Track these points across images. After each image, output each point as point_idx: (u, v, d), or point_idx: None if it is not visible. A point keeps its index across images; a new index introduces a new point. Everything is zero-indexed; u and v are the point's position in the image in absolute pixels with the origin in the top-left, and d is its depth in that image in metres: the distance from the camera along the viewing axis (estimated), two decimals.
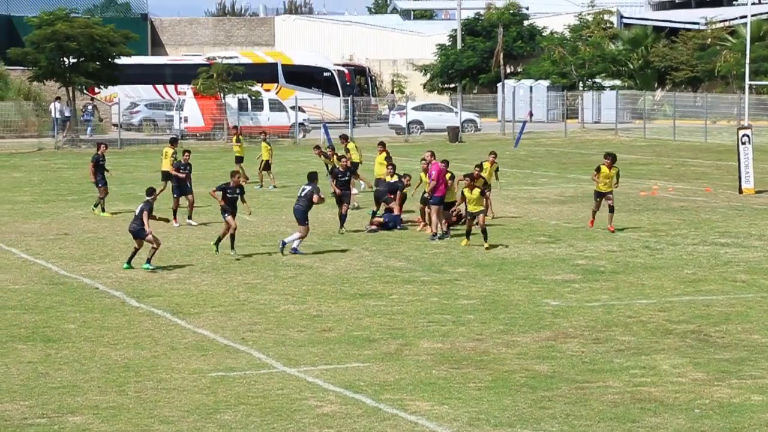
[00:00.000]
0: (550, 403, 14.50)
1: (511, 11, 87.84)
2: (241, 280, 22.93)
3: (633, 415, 14.00)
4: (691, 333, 18.11)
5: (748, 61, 43.40)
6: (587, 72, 73.94)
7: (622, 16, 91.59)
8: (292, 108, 64.80)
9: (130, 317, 19.71)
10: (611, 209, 28.18)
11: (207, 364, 16.58)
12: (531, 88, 79.50)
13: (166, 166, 32.91)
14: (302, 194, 26.21)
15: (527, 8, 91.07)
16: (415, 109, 70.69)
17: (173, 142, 34.62)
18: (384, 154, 32.26)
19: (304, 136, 63.63)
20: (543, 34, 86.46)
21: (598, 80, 75.62)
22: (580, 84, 74.58)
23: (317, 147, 36.04)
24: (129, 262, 24.06)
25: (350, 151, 35.69)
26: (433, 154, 29.25)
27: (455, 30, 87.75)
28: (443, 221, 27.64)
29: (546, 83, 78.02)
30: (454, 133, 63.62)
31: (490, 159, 30.65)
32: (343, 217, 28.87)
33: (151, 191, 24.53)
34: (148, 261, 23.83)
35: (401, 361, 16.71)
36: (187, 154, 31.42)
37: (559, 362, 16.49)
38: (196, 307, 20.42)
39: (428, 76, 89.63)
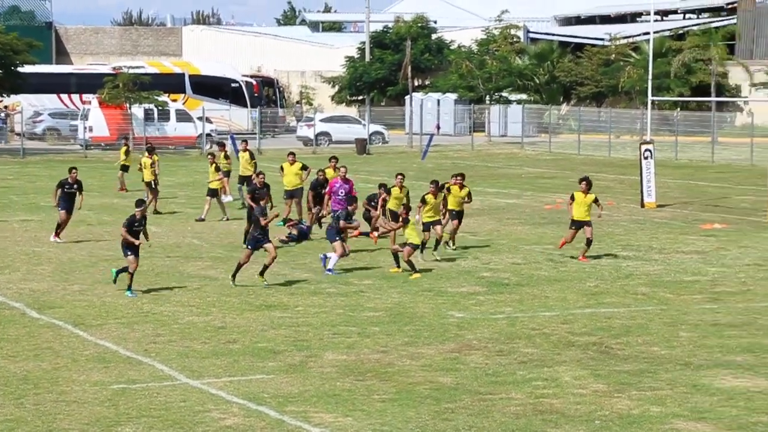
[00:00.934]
0: (453, 415, 14.56)
1: (420, 24, 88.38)
2: (144, 291, 22.70)
3: (535, 426, 14.12)
4: (593, 345, 18.31)
5: (650, 77, 44.02)
6: (494, 86, 74.61)
7: (528, 31, 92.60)
8: (200, 119, 64.45)
9: (30, 329, 19.40)
10: (588, 243, 25.97)
11: (108, 376, 16.38)
12: (438, 101, 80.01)
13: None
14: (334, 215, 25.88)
15: (435, 22, 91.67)
16: (323, 120, 70.76)
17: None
18: (298, 164, 32.22)
19: (210, 146, 63.31)
20: (451, 47, 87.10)
21: (504, 94, 76.33)
22: (487, 98, 75.22)
23: (211, 155, 35.49)
24: (130, 289, 22.19)
25: (238, 161, 35.72)
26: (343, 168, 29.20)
27: (364, 42, 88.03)
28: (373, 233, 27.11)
29: (453, 96, 78.56)
30: (361, 145, 63.78)
31: (456, 181, 27.74)
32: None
33: (140, 203, 22.92)
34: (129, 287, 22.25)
35: (306, 372, 16.67)
36: (74, 171, 29.50)
37: (463, 374, 16.57)
38: (98, 319, 20.17)
39: (336, 88, 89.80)
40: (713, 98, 68.48)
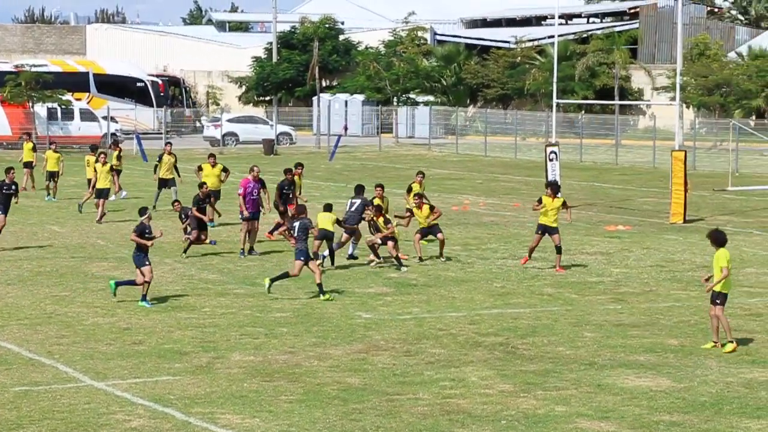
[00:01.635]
0: (360, 416, 14.57)
1: (327, 25, 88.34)
2: (48, 292, 22.40)
3: (442, 426, 14.18)
4: (500, 345, 18.45)
5: (555, 79, 44.49)
6: (401, 87, 74.91)
7: (435, 33, 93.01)
8: (104, 118, 63.72)
9: None
10: (558, 250, 25.28)
11: (10, 379, 16.12)
12: (346, 102, 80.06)
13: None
14: (352, 209, 25.59)
15: (343, 23, 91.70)
16: (231, 121, 70.39)
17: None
18: (219, 166, 32.02)
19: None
20: (358, 48, 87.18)
21: (412, 96, 76.66)
22: (395, 99, 75.46)
23: (103, 153, 34.75)
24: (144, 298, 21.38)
25: (162, 163, 35.35)
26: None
27: (271, 43, 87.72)
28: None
29: (361, 97, 78.67)
30: (269, 146, 63.57)
31: (417, 179, 29.13)
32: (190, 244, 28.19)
33: (144, 210, 22.18)
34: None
35: (212, 374, 16.57)
36: (12, 172, 28.75)
37: (371, 375, 16.59)
38: None
39: (244, 88, 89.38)
40: (617, 101, 69.40)
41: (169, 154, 35.57)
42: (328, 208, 24.92)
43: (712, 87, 75.41)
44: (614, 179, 49.19)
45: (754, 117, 75.95)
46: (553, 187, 25.70)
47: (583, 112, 70.08)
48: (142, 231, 21.62)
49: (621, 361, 17.44)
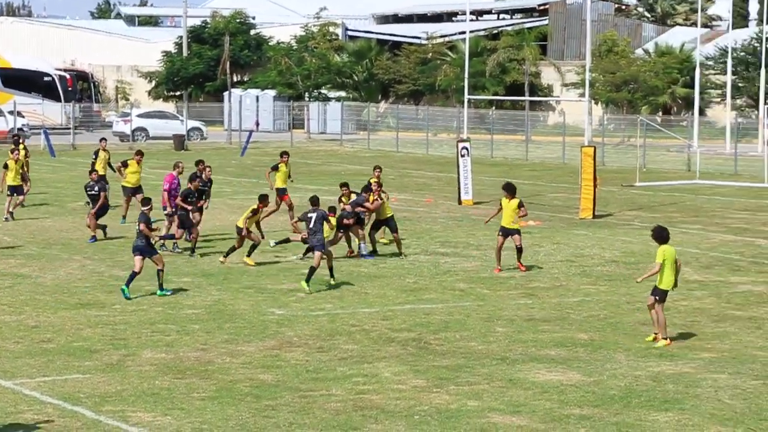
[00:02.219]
0: (273, 412, 14.53)
1: (238, 20, 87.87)
2: None
3: (355, 422, 14.19)
4: (412, 341, 18.51)
5: (467, 75, 44.76)
6: (313, 83, 74.82)
7: (347, 29, 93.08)
8: (11, 113, 62.76)
9: None
10: (519, 250, 24.88)
11: None
12: (258, 97, 79.74)
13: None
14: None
15: (254, 18, 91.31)
16: (140, 116, 69.73)
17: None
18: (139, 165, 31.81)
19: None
20: (270, 43, 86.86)
21: (323, 91, 76.61)
22: (306, 95, 75.34)
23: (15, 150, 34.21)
24: (128, 286, 21.54)
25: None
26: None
27: (181, 37, 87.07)
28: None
29: (272, 93, 78.42)
30: (179, 141, 63.11)
31: (375, 174, 28.95)
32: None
33: (146, 201, 22.40)
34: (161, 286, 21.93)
35: (123, 371, 16.41)
36: None
37: (284, 371, 16.55)
38: None
39: (153, 83, 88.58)
40: (527, 98, 70.01)
41: (104, 150, 35.18)
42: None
43: (620, 83, 76.47)
44: (525, 175, 49.59)
45: (660, 113, 77.12)
46: (509, 189, 25.04)
47: (493, 108, 70.60)
48: (149, 220, 21.95)
49: (532, 355, 17.60)
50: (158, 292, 21.75)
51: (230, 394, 15.32)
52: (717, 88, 77.02)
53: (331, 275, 23.10)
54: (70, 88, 76.42)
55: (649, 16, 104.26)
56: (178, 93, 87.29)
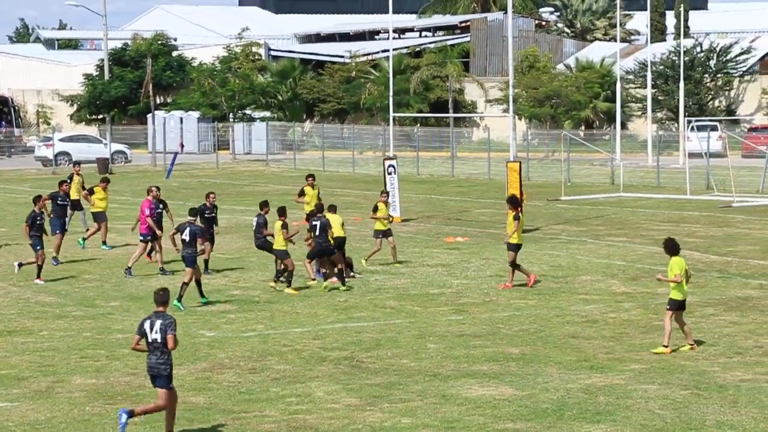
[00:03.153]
0: None
1: (160, 42, 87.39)
2: None
3: None
4: (345, 359, 18.49)
5: (391, 93, 44.91)
6: (237, 103, 74.56)
7: (270, 49, 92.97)
8: None
9: None
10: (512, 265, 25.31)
11: None
12: (182, 119, 79.32)
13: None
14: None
15: (175, 39, 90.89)
16: (63, 140, 69.03)
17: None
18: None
19: None
20: (193, 65, 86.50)
21: (248, 111, 76.37)
22: (231, 115, 75.07)
23: None
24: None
25: None
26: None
27: (102, 60, 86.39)
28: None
29: (197, 114, 78.06)
30: (103, 165, 62.54)
31: (308, 182, 30.50)
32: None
33: (193, 211, 24.14)
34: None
35: (53, 398, 16.21)
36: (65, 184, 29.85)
37: (216, 393, 16.45)
38: None
39: (75, 106, 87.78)
40: (451, 114, 70.34)
41: (78, 174, 34.85)
42: (332, 209, 25.67)
43: (542, 98, 77.13)
44: (451, 191, 49.81)
45: (583, 127, 77.91)
46: (512, 202, 25.45)
47: (418, 125, 70.86)
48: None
49: (464, 371, 17.65)
50: (175, 302, 22.01)
51: (162, 418, 15.16)
52: (638, 101, 77.97)
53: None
54: None
55: (569, 31, 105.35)
56: (100, 116, 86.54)
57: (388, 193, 29.38)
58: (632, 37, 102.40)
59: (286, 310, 22.59)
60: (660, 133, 67.13)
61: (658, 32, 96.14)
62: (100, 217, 31.57)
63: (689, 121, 58.03)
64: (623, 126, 70.76)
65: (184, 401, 15.99)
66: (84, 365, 18.17)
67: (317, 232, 24.75)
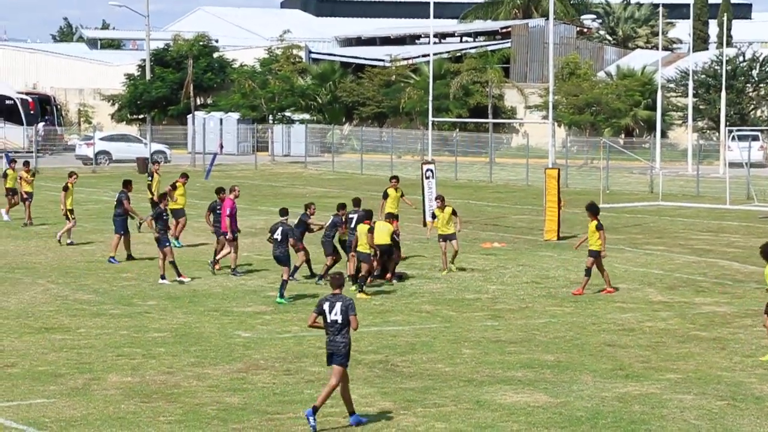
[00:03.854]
0: None
1: (201, 43, 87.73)
2: None
3: None
4: (379, 363, 18.50)
5: (431, 98, 44.90)
6: (277, 105, 74.72)
7: (310, 51, 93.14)
8: None
9: None
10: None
11: None
12: (221, 120, 79.60)
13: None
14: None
15: (217, 41, 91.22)
16: (103, 139, 69.45)
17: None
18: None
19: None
20: (233, 66, 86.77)
21: (287, 114, 76.53)
22: (270, 117, 75.27)
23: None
24: (282, 295, 23.60)
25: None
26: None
27: (144, 60, 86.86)
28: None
29: (236, 116, 78.30)
30: (143, 164, 62.83)
31: (392, 184, 30.90)
32: None
33: (284, 211, 24.66)
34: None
35: (89, 396, 16.31)
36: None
37: (251, 394, 16.50)
38: None
39: (116, 106, 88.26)
40: (490, 120, 70.23)
41: (157, 173, 35.62)
42: (391, 216, 26.40)
43: (582, 106, 76.85)
44: (489, 197, 49.74)
45: (623, 135, 77.60)
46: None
47: (457, 130, 70.78)
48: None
49: (499, 377, 17.62)
50: (278, 298, 23.30)
51: (197, 418, 15.25)
52: (678, 110, 77.56)
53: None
54: (32, 112, 76.04)
55: (610, 39, 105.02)
56: (141, 116, 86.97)
57: (442, 198, 28.89)
58: (674, 46, 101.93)
59: None
60: (700, 142, 66.74)
61: (700, 41, 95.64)
62: (178, 213, 31.69)
63: (730, 131, 57.72)
64: (663, 135, 70.38)
65: (219, 401, 16.07)
66: (120, 363, 18.27)
67: (353, 225, 25.35)
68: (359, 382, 17.18)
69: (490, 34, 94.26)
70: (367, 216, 25.47)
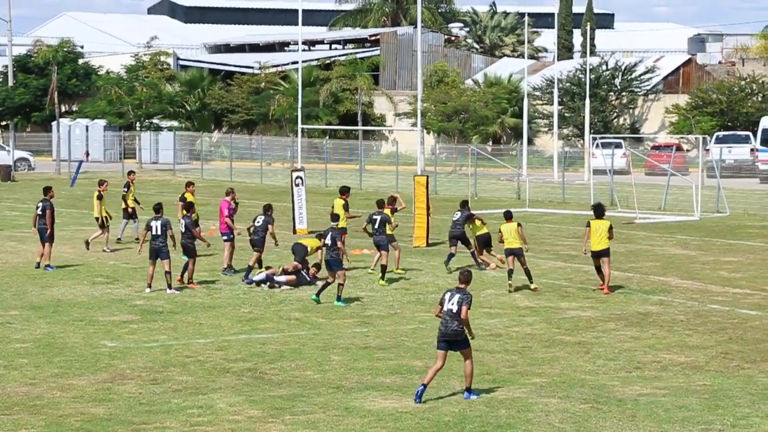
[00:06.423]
0: None
1: (66, 49, 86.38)
2: None
3: None
4: (248, 371, 18.39)
5: (300, 105, 44.90)
6: (144, 112, 73.92)
7: (178, 58, 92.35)
8: None
9: None
10: (601, 275, 26.27)
11: None
12: (87, 127, 78.48)
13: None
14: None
15: (82, 47, 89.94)
16: None
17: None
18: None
19: None
20: (99, 73, 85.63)
21: (155, 121, 75.76)
22: (138, 124, 74.42)
23: None
24: (318, 295, 24.42)
25: None
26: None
27: (6, 67, 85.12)
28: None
29: (103, 123, 77.27)
30: (6, 172, 61.67)
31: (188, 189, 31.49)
32: None
33: (336, 217, 25.84)
34: (339, 298, 24.28)
35: None
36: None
37: (116, 404, 16.26)
38: None
39: None
40: (360, 127, 70.48)
41: (132, 183, 35.39)
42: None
43: (451, 113, 77.57)
44: (359, 204, 49.76)
45: (491, 142, 78.54)
46: (597, 210, 26.22)
47: (327, 137, 70.87)
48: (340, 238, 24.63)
49: (368, 383, 17.66)
50: (335, 302, 24.08)
51: (60, 430, 14.98)
52: (544, 117, 78.82)
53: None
54: None
55: (478, 47, 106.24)
56: (3, 123, 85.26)
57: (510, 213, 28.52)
58: (540, 54, 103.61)
59: (190, 321, 22.42)
60: (566, 149, 67.93)
61: (565, 50, 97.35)
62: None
63: (594, 138, 58.84)
64: (530, 142, 71.45)
65: (83, 412, 15.80)
66: None
67: (377, 226, 27.31)
68: (227, 391, 17.07)
69: (360, 42, 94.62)
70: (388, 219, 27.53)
